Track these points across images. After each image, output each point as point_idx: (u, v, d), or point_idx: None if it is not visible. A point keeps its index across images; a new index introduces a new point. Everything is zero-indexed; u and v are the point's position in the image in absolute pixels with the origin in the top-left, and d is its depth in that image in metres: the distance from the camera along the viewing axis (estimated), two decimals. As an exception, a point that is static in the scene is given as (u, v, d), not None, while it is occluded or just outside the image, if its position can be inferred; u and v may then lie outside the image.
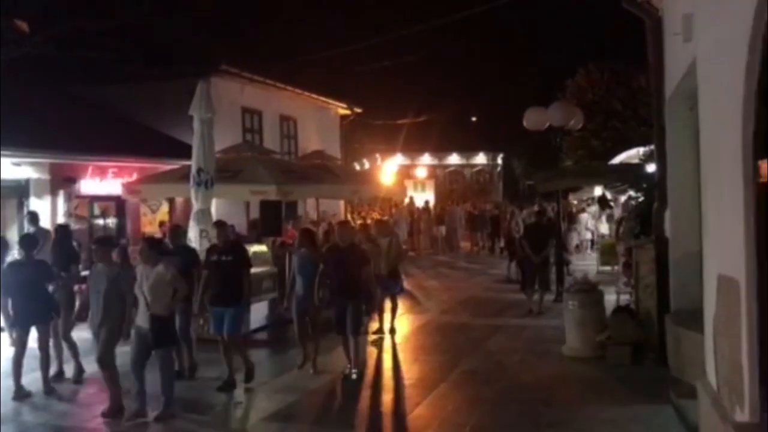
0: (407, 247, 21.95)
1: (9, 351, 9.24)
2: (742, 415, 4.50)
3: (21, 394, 7.79)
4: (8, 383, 7.89)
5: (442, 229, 26.30)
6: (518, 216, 20.63)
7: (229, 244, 8.56)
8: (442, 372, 8.73)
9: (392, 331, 11.23)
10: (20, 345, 7.92)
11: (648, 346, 8.80)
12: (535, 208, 17.11)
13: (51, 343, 8.31)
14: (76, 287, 9.43)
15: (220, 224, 8.87)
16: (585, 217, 23.49)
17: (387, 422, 6.95)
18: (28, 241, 8.46)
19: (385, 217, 24.52)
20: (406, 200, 27.54)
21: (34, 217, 11.60)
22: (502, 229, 22.39)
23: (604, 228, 21.55)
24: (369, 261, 8.89)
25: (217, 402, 7.63)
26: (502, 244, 22.14)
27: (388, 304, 11.50)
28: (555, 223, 15.17)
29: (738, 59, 4.31)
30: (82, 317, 8.30)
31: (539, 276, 12.87)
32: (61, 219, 13.57)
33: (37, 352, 8.03)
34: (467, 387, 8.16)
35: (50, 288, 8.27)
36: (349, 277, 8.47)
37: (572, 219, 22.53)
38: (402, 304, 14.21)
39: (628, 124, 27.52)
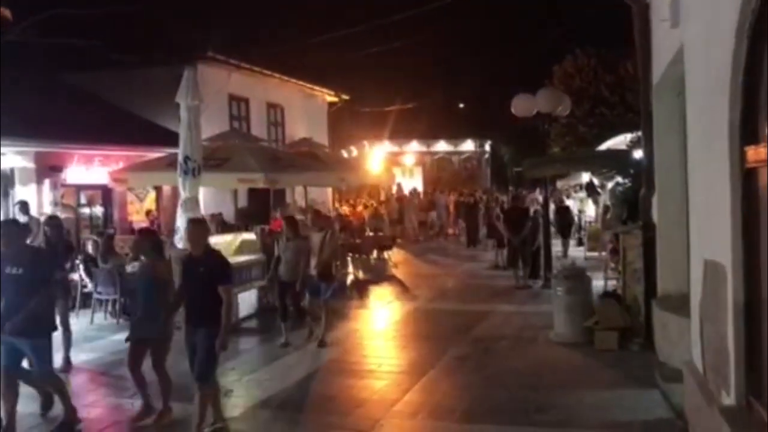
0: (396, 234, 21.91)
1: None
2: (728, 398, 4.55)
3: None
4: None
5: (433, 214, 26.28)
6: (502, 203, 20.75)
7: (21, 251, 6.25)
8: (431, 358, 8.76)
9: (321, 344, 9.46)
10: None
11: (635, 331, 8.87)
12: (510, 194, 17.52)
13: None
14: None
15: None
16: (572, 202, 23.56)
17: (377, 409, 6.97)
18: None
19: (373, 204, 24.52)
20: (395, 187, 27.45)
21: (25, 207, 11.56)
22: (482, 217, 21.80)
23: (591, 210, 21.69)
24: (229, 275, 6.33)
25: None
26: (482, 232, 21.60)
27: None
28: (536, 209, 15.41)
29: (725, 45, 4.33)
30: None
31: (520, 254, 13.85)
32: (47, 208, 13.49)
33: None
34: (456, 373, 8.20)
35: None
36: (197, 298, 6.08)
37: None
38: (390, 291, 14.32)
39: (615, 111, 27.59)
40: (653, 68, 8.65)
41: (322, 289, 9.71)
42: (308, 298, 9.85)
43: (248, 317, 11.33)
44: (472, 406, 6.95)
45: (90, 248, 11.85)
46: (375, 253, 16.91)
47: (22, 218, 11.06)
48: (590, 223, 20.66)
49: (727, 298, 4.51)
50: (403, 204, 25.83)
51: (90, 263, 11.43)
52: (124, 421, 6.72)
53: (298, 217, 18.18)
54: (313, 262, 9.59)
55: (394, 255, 18.05)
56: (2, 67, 12.73)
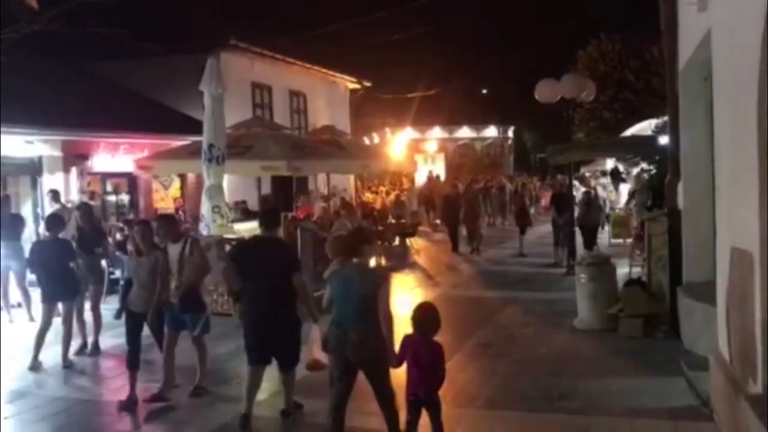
0: (417, 221, 21.78)
1: (28, 327, 9.45)
2: (755, 387, 4.52)
3: (35, 365, 7.95)
4: (28, 358, 8.04)
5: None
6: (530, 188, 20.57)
7: None
8: (455, 345, 8.74)
9: (197, 392, 6.93)
10: (46, 319, 8.12)
11: (660, 318, 8.80)
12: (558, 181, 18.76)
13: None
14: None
15: None
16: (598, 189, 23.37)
17: (399, 395, 7.00)
18: (53, 221, 8.59)
19: (396, 192, 24.45)
20: (426, 174, 27.16)
21: (56, 196, 11.75)
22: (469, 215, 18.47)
23: (614, 196, 21.55)
24: None
25: (231, 375, 7.69)
26: (464, 232, 18.57)
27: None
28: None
29: (754, 30, 4.26)
30: None
31: (563, 234, 14.71)
32: (74, 196, 13.69)
33: (59, 327, 8.20)
34: (480, 359, 8.21)
35: (71, 265, 8.33)
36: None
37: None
38: (413, 278, 14.33)
39: (640, 96, 27.29)
40: (680, 52, 8.53)
41: (188, 322, 6.88)
42: (167, 336, 6.91)
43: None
44: (495, 392, 6.96)
45: (118, 236, 12.02)
46: (397, 240, 16.94)
47: (53, 207, 11.26)
48: (613, 209, 20.49)
49: (755, 285, 4.47)
50: (434, 192, 25.09)
51: (118, 250, 11.58)
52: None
53: (320, 204, 18.32)
54: (173, 284, 6.79)
55: (415, 242, 18.07)
56: (29, 56, 12.90)
